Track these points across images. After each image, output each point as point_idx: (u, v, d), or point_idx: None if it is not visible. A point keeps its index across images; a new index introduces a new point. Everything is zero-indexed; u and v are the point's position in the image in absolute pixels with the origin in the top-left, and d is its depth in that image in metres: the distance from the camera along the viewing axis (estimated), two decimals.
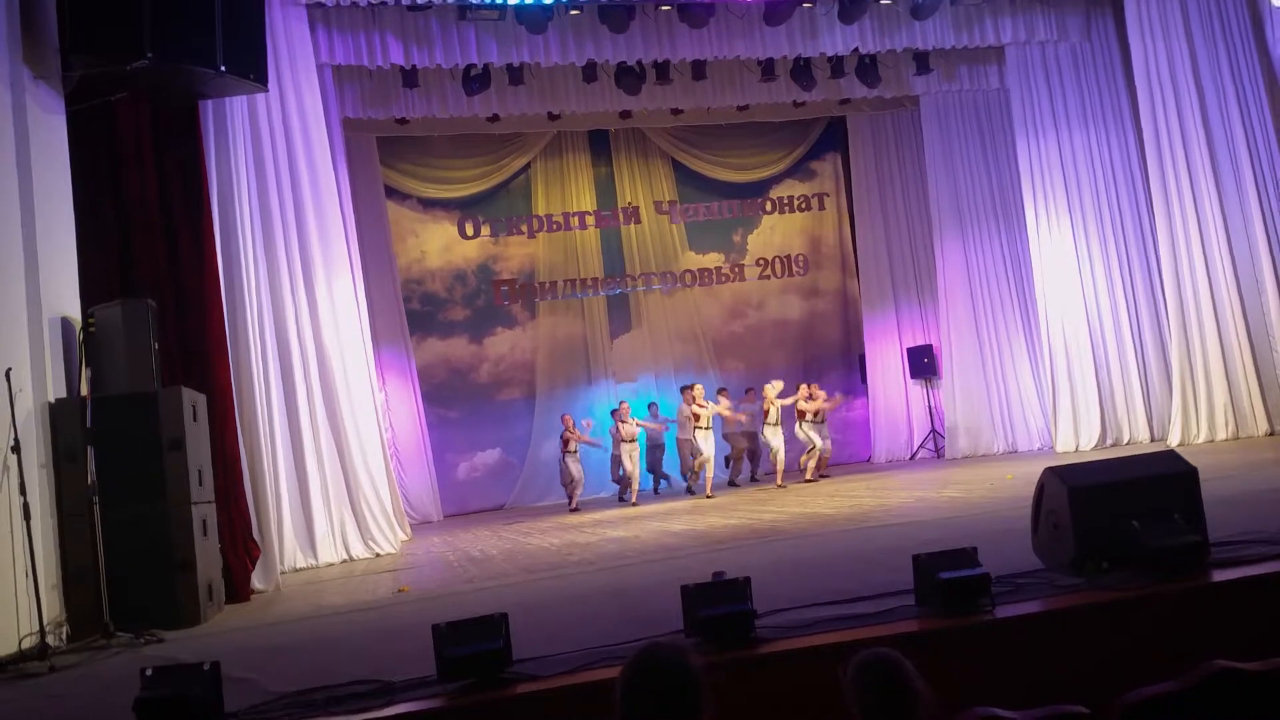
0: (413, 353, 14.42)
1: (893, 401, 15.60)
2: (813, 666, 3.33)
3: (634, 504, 12.31)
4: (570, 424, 13.08)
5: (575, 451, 12.92)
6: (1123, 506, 4.01)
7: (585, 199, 15.69)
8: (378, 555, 9.16)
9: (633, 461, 12.80)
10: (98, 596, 5.65)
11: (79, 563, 5.82)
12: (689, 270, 16.05)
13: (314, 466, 8.96)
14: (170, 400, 6.20)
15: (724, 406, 13.07)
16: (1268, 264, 11.24)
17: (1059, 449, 12.48)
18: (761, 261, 16.36)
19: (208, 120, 7.72)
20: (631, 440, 12.85)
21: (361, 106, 12.09)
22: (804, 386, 13.45)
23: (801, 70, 12.82)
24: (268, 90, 7.86)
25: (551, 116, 14.06)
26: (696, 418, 12.43)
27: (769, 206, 16.48)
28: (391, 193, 14.70)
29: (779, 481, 12.61)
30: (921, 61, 13.25)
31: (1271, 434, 11.08)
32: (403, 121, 13.28)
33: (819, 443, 13.11)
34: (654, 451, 13.92)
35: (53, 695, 4.35)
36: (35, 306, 5.97)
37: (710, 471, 12.45)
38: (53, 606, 5.61)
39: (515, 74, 11.93)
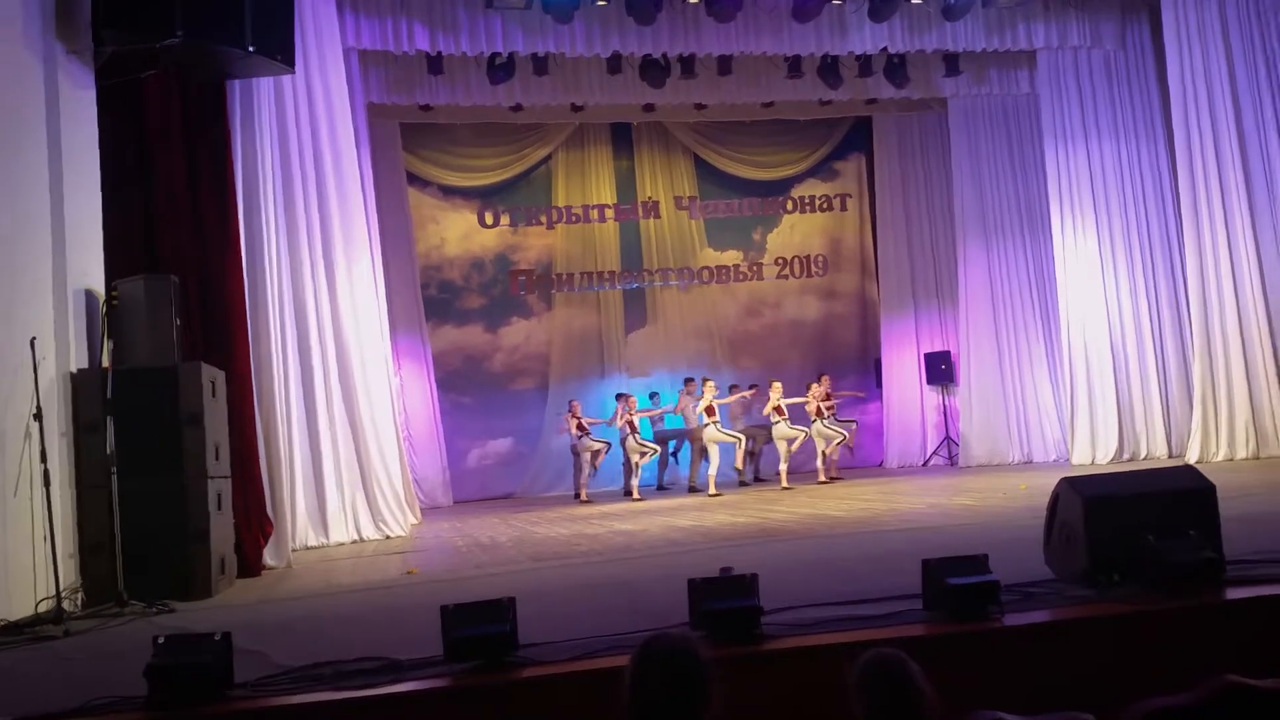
0: (428, 339, 14.49)
1: (908, 407, 15.52)
2: (818, 665, 3.34)
3: (638, 498, 12.31)
4: (578, 409, 13.08)
5: (589, 432, 12.92)
6: (1138, 520, 3.97)
7: (605, 192, 15.70)
8: (388, 537, 9.21)
9: (640, 446, 12.80)
10: (113, 565, 5.72)
11: (96, 532, 5.89)
12: (707, 267, 16.04)
13: (328, 447, 9.02)
14: (190, 375, 6.25)
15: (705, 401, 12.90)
16: None
17: (1075, 461, 12.37)
18: (780, 261, 16.32)
19: (234, 100, 7.75)
20: (637, 431, 12.83)
21: (386, 92, 12.13)
22: (814, 386, 13.33)
23: (829, 68, 12.74)
24: (294, 72, 7.88)
25: (574, 108, 14.06)
26: (710, 411, 12.41)
27: (790, 206, 16.43)
28: (413, 179, 14.75)
29: (784, 483, 12.56)
30: (951, 63, 13.13)
31: None
32: (426, 108, 13.31)
33: (841, 434, 13.03)
34: (660, 444, 13.94)
35: (66, 658, 4.41)
36: (60, 278, 6.04)
37: (714, 469, 12.42)
38: (69, 573, 5.69)
39: (540, 64, 11.94)
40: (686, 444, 14.00)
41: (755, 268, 16.24)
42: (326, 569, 7.36)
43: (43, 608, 5.35)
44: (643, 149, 15.82)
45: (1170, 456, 12.01)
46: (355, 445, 9.36)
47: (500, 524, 10.32)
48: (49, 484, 5.42)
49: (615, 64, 12.26)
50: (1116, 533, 3.98)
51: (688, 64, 12.42)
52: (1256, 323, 11.19)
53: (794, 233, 16.45)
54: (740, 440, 12.74)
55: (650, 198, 15.85)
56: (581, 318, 15.57)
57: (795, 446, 12.76)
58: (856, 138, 16.42)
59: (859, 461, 15.60)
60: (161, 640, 3.32)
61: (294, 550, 7.85)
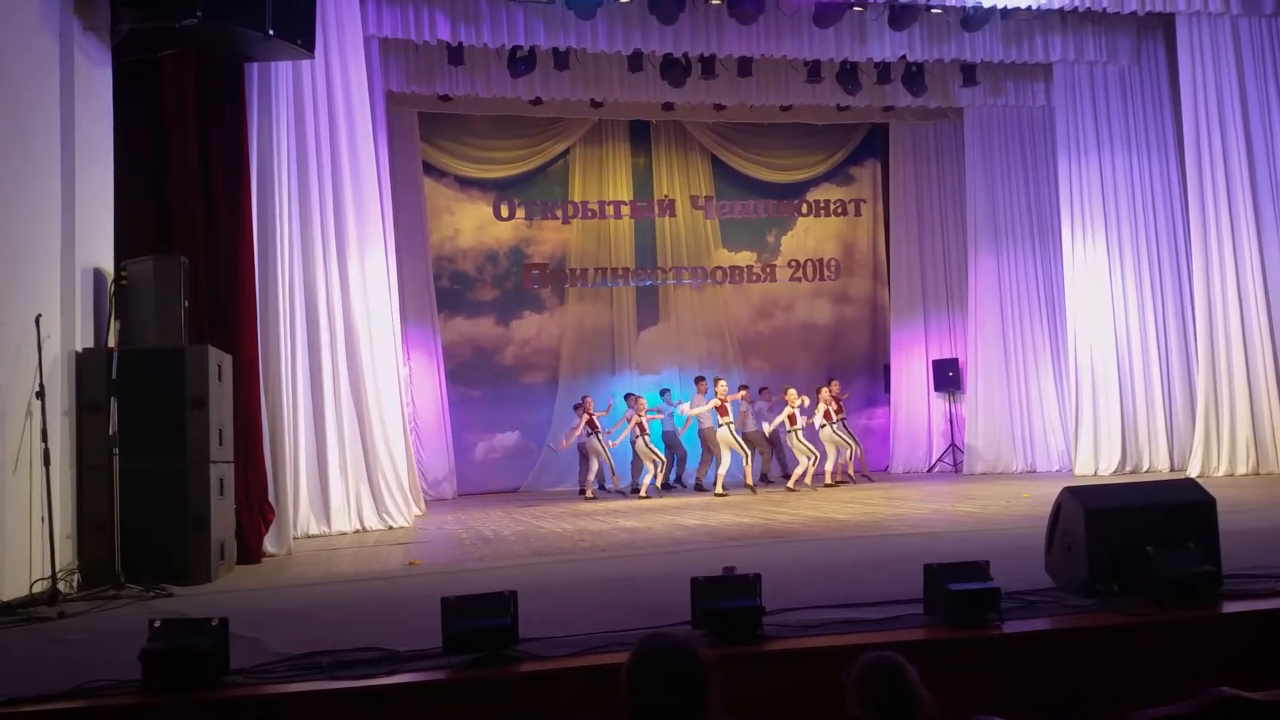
0: (439, 330, 14.50)
1: (914, 413, 15.53)
2: (818, 667, 3.32)
3: (644, 495, 12.30)
4: (591, 406, 13.07)
5: (600, 430, 12.91)
6: (1138, 531, 3.97)
7: (622, 188, 15.70)
8: (391, 528, 9.22)
9: (650, 451, 12.78)
10: (111, 547, 5.72)
11: (95, 513, 5.88)
12: (720, 267, 16.03)
13: (334, 435, 9.02)
14: (197, 358, 6.24)
15: (699, 405, 12.88)
16: None
17: (1078, 472, 12.37)
18: (794, 263, 16.31)
19: (252, 83, 7.75)
20: (646, 432, 12.81)
21: (405, 81, 12.14)
22: (824, 390, 13.30)
23: (848, 74, 12.76)
24: (313, 57, 7.89)
25: (594, 104, 14.06)
26: (723, 410, 12.38)
27: (805, 209, 16.42)
28: (429, 169, 14.77)
29: (790, 485, 12.54)
30: (968, 73, 13.16)
31: None
32: (445, 99, 13.32)
33: (848, 445, 13.03)
34: (669, 442, 13.92)
35: (59, 640, 4.40)
36: (69, 256, 6.03)
37: (724, 469, 12.40)
38: (65, 554, 5.68)
39: (561, 58, 11.94)
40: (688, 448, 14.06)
41: (768, 269, 16.23)
42: (327, 558, 7.36)
43: (38, 588, 5.32)
44: (660, 147, 15.82)
45: (1172, 469, 12.05)
46: (361, 434, 9.36)
47: (505, 517, 10.32)
48: (49, 463, 5.40)
49: (636, 62, 12.27)
50: (1117, 543, 3.98)
51: (708, 64, 12.42)
52: (1260, 340, 11.19)
53: (808, 236, 16.43)
54: (747, 455, 12.70)
55: (666, 196, 15.85)
56: (594, 314, 15.56)
57: (813, 464, 12.68)
58: (872, 144, 16.43)
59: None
60: (157, 624, 3.31)
61: (295, 538, 7.86)
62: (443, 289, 14.82)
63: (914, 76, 12.92)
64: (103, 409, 5.86)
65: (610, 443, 13.01)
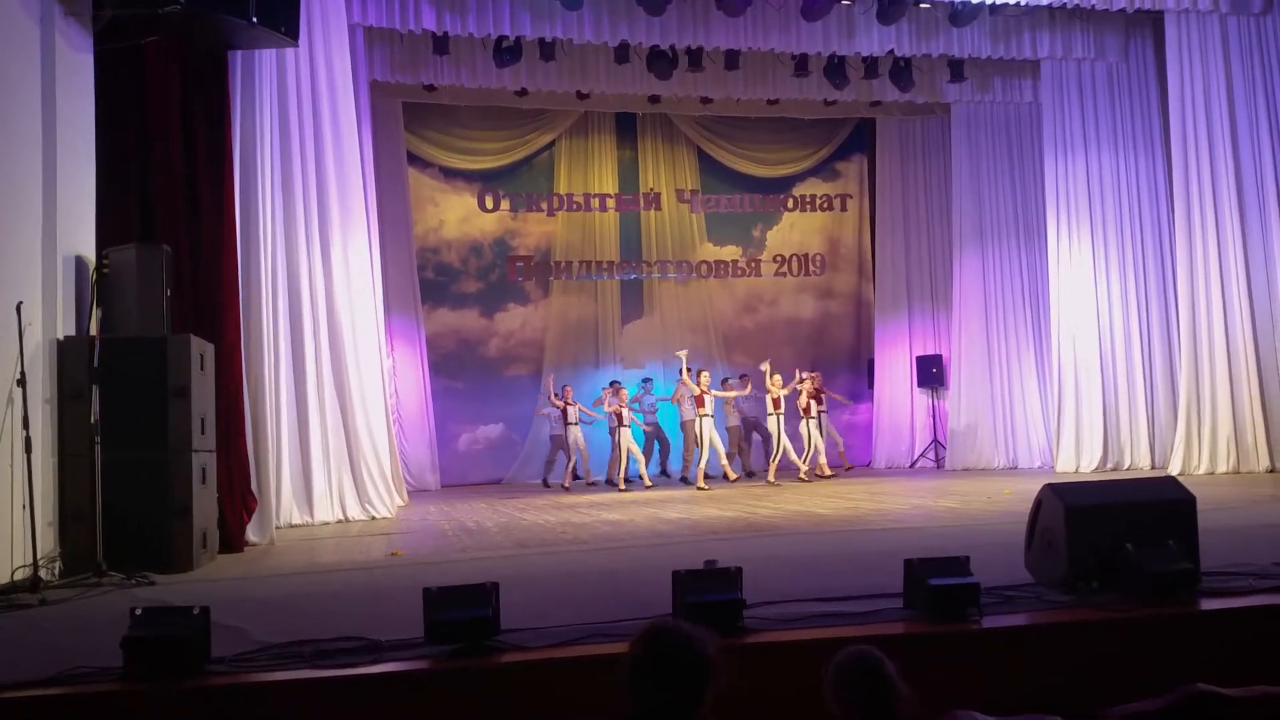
0: (423, 321, 14.47)
1: (898, 408, 15.60)
2: (798, 660, 3.35)
3: (622, 488, 12.32)
4: (570, 395, 13.11)
5: (576, 423, 12.96)
6: (1118, 528, 4.00)
7: (607, 181, 15.68)
8: (373, 518, 9.20)
9: (628, 443, 12.80)
10: (92, 536, 5.69)
11: (76, 501, 5.85)
12: (705, 261, 16.04)
13: (316, 425, 8.99)
14: (179, 347, 6.21)
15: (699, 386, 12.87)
16: None
17: (1059, 469, 12.44)
18: (779, 258, 16.34)
19: (235, 71, 7.70)
20: (626, 424, 12.84)
21: (390, 70, 12.08)
22: (807, 379, 13.30)
23: (835, 68, 12.76)
24: (297, 45, 7.82)
25: (580, 95, 14.02)
26: (700, 401, 12.40)
27: (790, 204, 16.45)
28: (414, 159, 14.71)
29: (770, 478, 12.56)
30: (956, 69, 13.19)
31: (1272, 470, 11.02)
32: (430, 88, 13.26)
33: (818, 441, 13.08)
34: (650, 434, 13.95)
35: (40, 628, 4.39)
36: (50, 243, 5.99)
37: (704, 462, 12.42)
38: (47, 542, 5.65)
39: (547, 49, 11.90)
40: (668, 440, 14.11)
41: (754, 264, 16.26)
42: (310, 547, 7.34)
43: (19, 575, 5.30)
44: (646, 140, 15.81)
45: (1153, 467, 12.13)
46: (344, 425, 9.33)
47: (487, 509, 10.31)
48: (30, 451, 5.37)
49: (623, 53, 12.24)
50: (1097, 540, 4.01)
51: (695, 57, 12.39)
52: (1243, 341, 11.27)
53: (793, 231, 16.46)
54: (720, 450, 12.70)
55: (652, 189, 15.84)
56: (578, 306, 15.55)
57: (779, 449, 12.67)
58: (859, 139, 16.47)
59: (848, 461, 15.64)
60: (139, 612, 3.30)
61: (278, 528, 7.83)
62: (427, 280, 14.78)
63: (901, 72, 12.94)
64: (84, 397, 5.83)
65: (592, 414, 13.06)
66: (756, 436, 14.09)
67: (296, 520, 8.59)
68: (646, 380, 14.33)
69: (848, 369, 16.28)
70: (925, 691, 2.39)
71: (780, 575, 4.87)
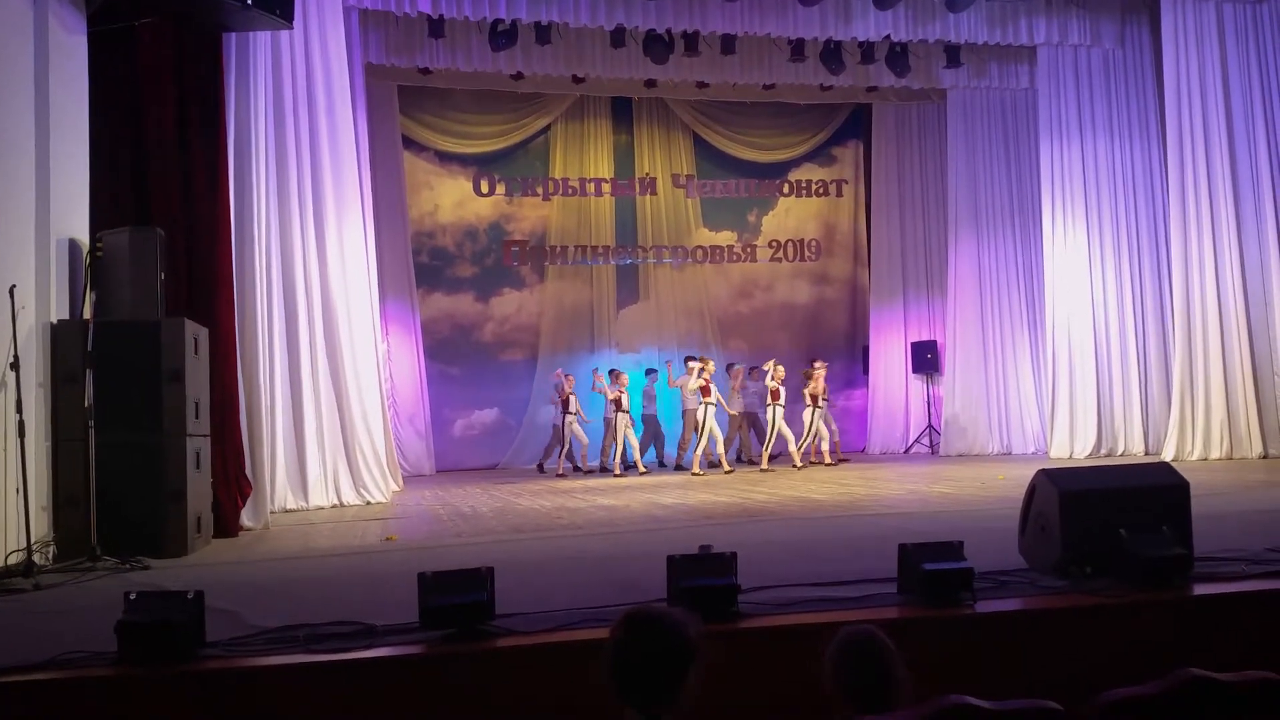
0: (418, 306, 14.44)
1: (892, 394, 15.63)
2: (792, 644, 3.35)
3: (618, 474, 12.33)
4: (571, 384, 13.10)
5: (577, 413, 12.95)
6: (1112, 514, 4.01)
7: (603, 166, 15.64)
8: (368, 503, 9.20)
9: (627, 430, 12.80)
10: (87, 520, 5.70)
11: (70, 485, 5.85)
12: (701, 246, 16.02)
13: (311, 409, 8.98)
14: (173, 331, 6.20)
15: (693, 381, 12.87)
16: (1278, 288, 11.23)
17: (1053, 454, 12.47)
18: (774, 244, 16.32)
19: (230, 53, 7.65)
20: (626, 410, 12.83)
21: (385, 53, 12.01)
22: (817, 370, 13.32)
23: (831, 53, 12.72)
24: (292, 27, 7.79)
25: (576, 79, 13.96)
26: (705, 390, 12.41)
27: (786, 189, 16.41)
28: (409, 143, 14.65)
29: (763, 465, 12.60)
30: (952, 55, 13.15)
31: (1265, 456, 11.07)
32: (425, 72, 13.20)
33: (822, 429, 13.09)
34: (649, 425, 13.94)
35: (35, 612, 4.38)
36: (44, 226, 5.96)
37: (702, 449, 12.43)
38: (41, 526, 5.65)
39: (543, 33, 11.83)
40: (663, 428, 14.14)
41: (749, 249, 16.23)
42: (305, 532, 7.34)
43: (13, 560, 5.29)
44: (642, 125, 15.76)
45: (1147, 453, 12.18)
46: (339, 409, 9.32)
47: (482, 494, 10.32)
48: (23, 435, 5.36)
49: (619, 37, 12.18)
50: (1091, 525, 4.02)
51: (691, 41, 12.34)
52: (1237, 328, 11.30)
53: (789, 216, 16.44)
54: (719, 440, 12.73)
55: (648, 174, 15.80)
56: (573, 291, 15.53)
57: (773, 435, 12.68)
58: (855, 125, 16.43)
59: (843, 446, 15.59)
60: (133, 596, 3.29)
61: (272, 512, 7.83)
62: (422, 265, 14.74)
63: (898, 57, 12.90)
64: (78, 381, 5.82)
65: (586, 419, 13.10)
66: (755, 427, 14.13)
67: (291, 505, 8.60)
68: (651, 371, 14.32)
69: (843, 355, 16.28)
70: (919, 676, 2.40)
71: (775, 560, 4.88)
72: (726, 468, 12.66)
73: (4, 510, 5.44)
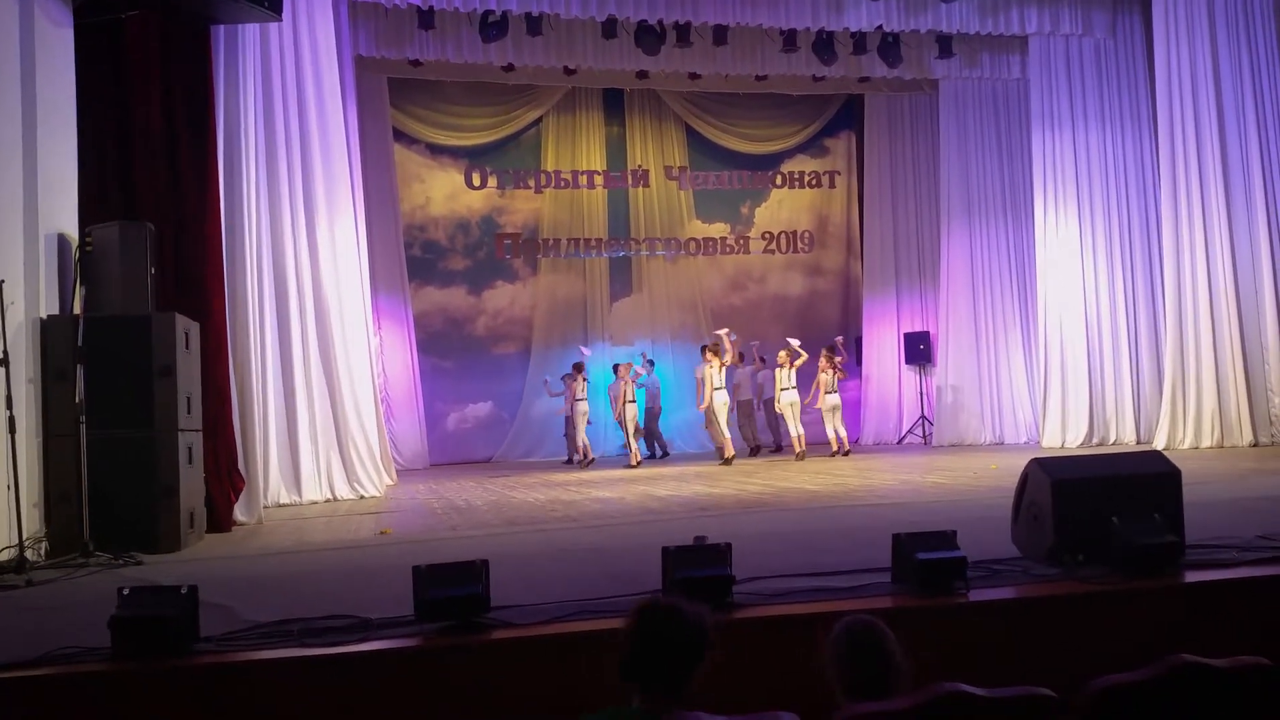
0: (410, 299, 14.41)
1: (885, 385, 15.66)
2: (787, 634, 3.36)
3: (633, 466, 12.34)
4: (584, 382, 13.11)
5: (583, 399, 12.92)
6: (1104, 502, 4.02)
7: (595, 158, 15.61)
8: (362, 497, 9.20)
9: (631, 422, 12.80)
10: (79, 516, 5.67)
11: (62, 481, 5.82)
12: (694, 238, 16.01)
13: (304, 403, 8.96)
14: (164, 325, 6.17)
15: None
16: (1268, 278, 11.28)
17: (1045, 444, 12.53)
18: (767, 235, 16.32)
19: (219, 46, 7.60)
20: (631, 401, 12.82)
21: (375, 45, 11.97)
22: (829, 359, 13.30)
23: (823, 44, 12.73)
24: (281, 20, 7.77)
25: (567, 71, 13.93)
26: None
27: (779, 180, 16.41)
28: (400, 136, 14.61)
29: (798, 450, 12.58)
30: (944, 45, 13.15)
31: (1255, 444, 11.12)
32: (416, 64, 13.15)
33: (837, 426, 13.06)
34: (650, 417, 13.96)
35: (28, 609, 4.36)
36: (32, 221, 5.92)
37: (727, 433, 12.38)
38: (33, 522, 5.62)
39: (534, 24, 11.79)
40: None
41: (742, 241, 16.23)
42: (298, 527, 7.33)
43: (5, 557, 5.26)
44: (634, 116, 15.74)
45: (1138, 442, 12.22)
46: (331, 403, 9.31)
47: (476, 487, 10.31)
48: (14, 431, 5.33)
49: (610, 28, 12.14)
50: (1083, 513, 4.03)
51: (683, 32, 12.31)
52: (1228, 317, 11.34)
53: (782, 208, 16.44)
54: (725, 434, 12.72)
55: (640, 166, 15.78)
56: (566, 284, 15.52)
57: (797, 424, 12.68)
58: (847, 116, 16.42)
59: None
60: (127, 592, 3.28)
61: (266, 507, 7.83)
62: (414, 258, 14.72)
63: (890, 47, 12.90)
64: (69, 377, 5.79)
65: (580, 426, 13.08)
66: (760, 414, 14.11)
67: (284, 500, 8.58)
68: (650, 361, 14.31)
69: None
70: (913, 664, 2.40)
71: (769, 551, 4.89)
72: (730, 453, 12.63)
73: None
